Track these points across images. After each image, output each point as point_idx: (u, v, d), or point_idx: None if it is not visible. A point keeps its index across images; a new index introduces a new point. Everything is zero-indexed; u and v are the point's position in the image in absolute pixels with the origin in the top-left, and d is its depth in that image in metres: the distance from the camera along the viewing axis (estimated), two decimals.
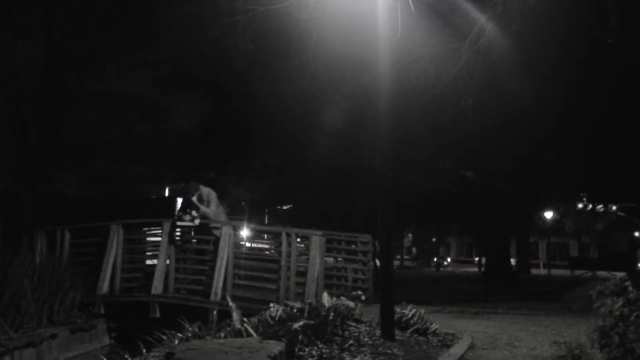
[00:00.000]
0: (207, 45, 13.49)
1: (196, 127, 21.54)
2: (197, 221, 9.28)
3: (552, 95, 13.90)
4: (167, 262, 9.26)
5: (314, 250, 8.81)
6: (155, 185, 23.71)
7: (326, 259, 9.47)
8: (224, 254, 8.96)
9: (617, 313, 4.57)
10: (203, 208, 9.45)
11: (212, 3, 9.52)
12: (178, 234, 9.45)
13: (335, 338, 5.73)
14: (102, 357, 5.93)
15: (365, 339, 5.89)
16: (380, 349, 5.63)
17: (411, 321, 6.78)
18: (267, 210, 31.29)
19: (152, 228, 10.03)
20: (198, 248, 9.62)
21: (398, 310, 6.80)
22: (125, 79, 15.66)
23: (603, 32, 11.43)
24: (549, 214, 32.02)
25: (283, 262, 8.79)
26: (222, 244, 8.99)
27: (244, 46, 8.52)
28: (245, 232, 11.50)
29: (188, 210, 9.54)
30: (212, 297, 8.71)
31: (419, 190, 20.89)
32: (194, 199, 9.53)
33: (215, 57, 14.74)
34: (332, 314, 6.06)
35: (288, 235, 8.99)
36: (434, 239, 45.06)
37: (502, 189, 22.48)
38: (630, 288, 4.76)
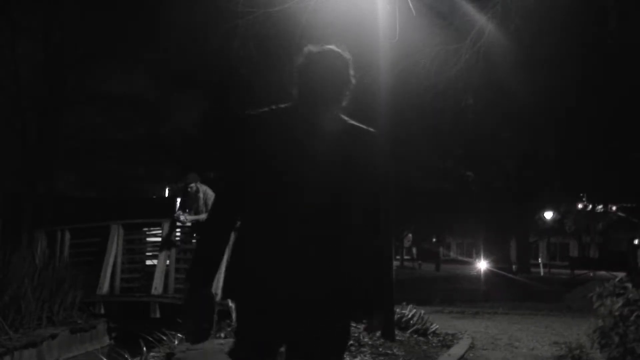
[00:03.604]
0: (209, 47, 13.50)
1: (196, 127, 21.44)
2: (185, 220, 9.16)
3: (552, 95, 13.93)
4: (167, 262, 9.25)
5: None
6: (155, 185, 23.62)
7: None
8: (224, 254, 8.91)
9: (617, 313, 4.58)
10: (203, 216, 9.32)
11: (212, 6, 9.52)
12: (178, 233, 9.43)
13: None
14: (102, 357, 5.93)
15: (365, 339, 5.88)
16: (380, 349, 5.63)
17: (411, 321, 6.77)
18: None
19: (152, 228, 10.03)
20: None
21: (398, 310, 6.81)
22: (126, 79, 15.60)
23: (602, 31, 11.46)
24: (549, 214, 32.01)
25: None
26: None
27: (245, 51, 8.51)
28: None
29: (187, 210, 9.49)
30: None
31: (418, 190, 20.88)
32: (200, 195, 9.41)
33: (217, 58, 14.74)
34: None
35: None
36: (434, 239, 45.01)
37: (502, 189, 22.49)
38: (630, 288, 4.77)
